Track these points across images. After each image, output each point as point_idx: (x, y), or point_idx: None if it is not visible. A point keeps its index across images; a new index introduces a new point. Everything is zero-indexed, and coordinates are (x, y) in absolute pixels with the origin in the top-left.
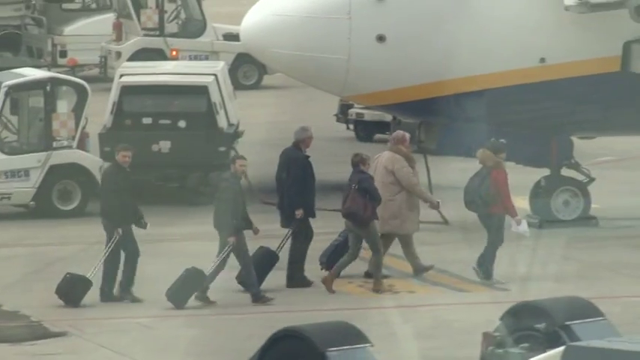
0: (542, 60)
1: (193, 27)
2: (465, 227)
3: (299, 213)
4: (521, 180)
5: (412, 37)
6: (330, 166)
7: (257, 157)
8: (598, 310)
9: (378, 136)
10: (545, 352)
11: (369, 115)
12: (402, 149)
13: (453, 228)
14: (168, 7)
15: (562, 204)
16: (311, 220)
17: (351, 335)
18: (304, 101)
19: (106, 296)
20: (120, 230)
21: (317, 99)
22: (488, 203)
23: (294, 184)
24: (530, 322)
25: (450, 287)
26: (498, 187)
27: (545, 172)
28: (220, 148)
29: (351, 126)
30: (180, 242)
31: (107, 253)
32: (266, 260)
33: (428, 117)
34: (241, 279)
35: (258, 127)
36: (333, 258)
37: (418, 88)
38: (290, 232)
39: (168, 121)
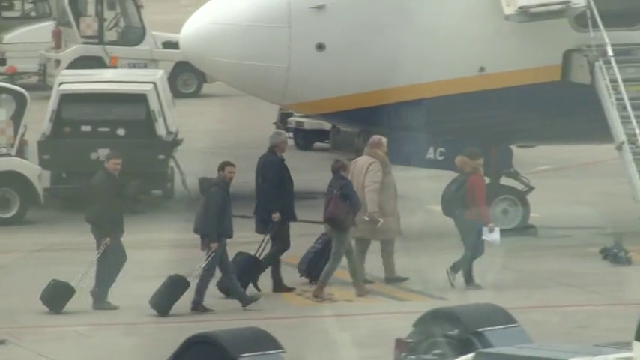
0: (482, 69)
1: (133, 35)
2: (408, 236)
3: (275, 216)
4: None
5: (352, 46)
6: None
7: (196, 166)
8: (511, 317)
9: (317, 144)
10: (456, 358)
11: (309, 123)
12: (379, 154)
13: None
14: (108, 15)
15: (501, 213)
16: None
17: (264, 341)
18: (244, 109)
19: (100, 300)
20: (108, 239)
21: (256, 107)
22: (464, 209)
23: (270, 188)
24: (443, 328)
25: (388, 296)
26: (475, 193)
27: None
28: (159, 156)
29: (291, 134)
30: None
31: (96, 260)
32: (249, 265)
33: (367, 126)
34: (221, 284)
35: (197, 135)
36: (312, 264)
37: (358, 96)
38: (268, 237)
39: (107, 129)
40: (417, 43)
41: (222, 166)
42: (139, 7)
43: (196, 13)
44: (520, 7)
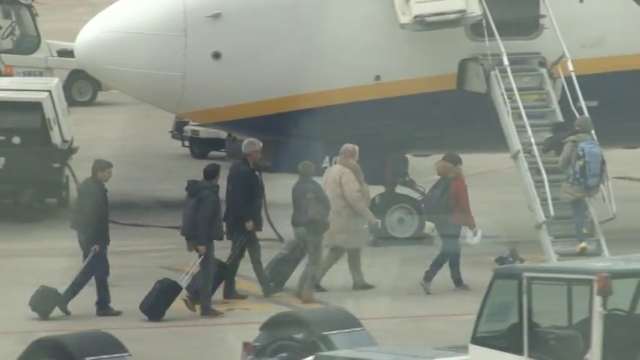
0: (378, 78)
1: (27, 43)
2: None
3: (249, 225)
4: None
5: (248, 55)
6: (165, 182)
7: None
8: (357, 321)
9: (213, 153)
10: None
11: (205, 132)
12: (352, 163)
13: None
14: (3, 23)
15: (396, 221)
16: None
17: (109, 344)
18: (139, 118)
19: (104, 307)
20: (97, 247)
21: (152, 116)
22: (449, 214)
23: (239, 196)
24: (289, 332)
25: (283, 304)
26: (459, 198)
27: (380, 189)
28: (54, 165)
29: (187, 143)
30: (17, 258)
31: (84, 268)
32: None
33: (262, 134)
34: (194, 288)
35: (93, 143)
36: (277, 270)
37: (253, 105)
38: (239, 244)
39: (2, 138)
40: (313, 52)
41: (214, 172)
42: (34, 16)
43: (91, 22)
44: (415, 16)
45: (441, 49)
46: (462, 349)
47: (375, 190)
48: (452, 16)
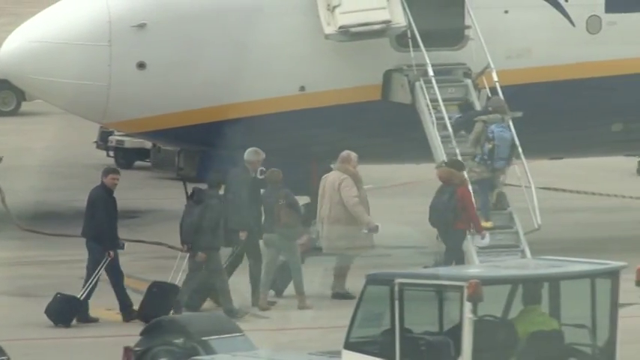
0: (302, 88)
1: None
2: (224, 254)
3: (243, 234)
4: None
5: (172, 65)
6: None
7: (16, 184)
8: (236, 327)
9: (138, 163)
10: None
11: (130, 142)
12: (350, 169)
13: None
14: None
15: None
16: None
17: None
18: (64, 128)
19: (128, 310)
20: (112, 252)
21: (77, 126)
22: (455, 219)
23: (238, 204)
24: (170, 337)
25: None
26: (465, 204)
27: (306, 199)
28: None
29: (112, 153)
30: None
31: (98, 274)
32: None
33: (187, 144)
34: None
35: (17, 153)
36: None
37: (178, 115)
38: (233, 252)
39: None
40: (238, 62)
41: (218, 181)
42: None
43: (15, 32)
44: (340, 27)
45: (366, 59)
46: (336, 355)
47: (301, 201)
48: (377, 27)
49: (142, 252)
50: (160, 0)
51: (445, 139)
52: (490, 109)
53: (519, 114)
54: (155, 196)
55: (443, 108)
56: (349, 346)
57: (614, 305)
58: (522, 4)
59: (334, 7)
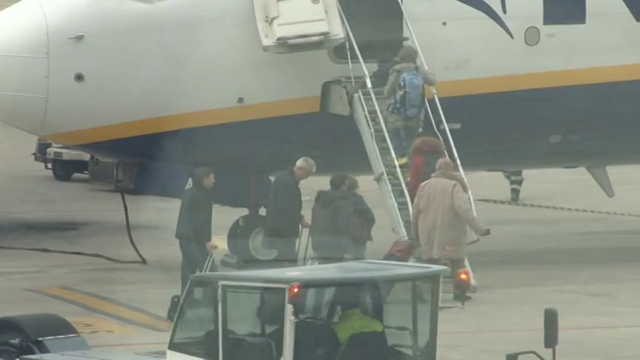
0: (241, 100)
1: None
2: (163, 266)
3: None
4: (219, 220)
5: (110, 77)
6: (28, 204)
7: None
8: (71, 327)
9: (76, 175)
10: None
11: (68, 154)
12: (458, 175)
13: (151, 267)
14: None
15: (260, 244)
16: None
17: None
18: (1, 140)
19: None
20: (214, 246)
21: (14, 137)
22: None
23: (283, 207)
24: (6, 337)
25: (148, 326)
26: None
27: (244, 211)
28: None
29: (50, 165)
30: None
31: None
32: None
33: (126, 156)
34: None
35: None
36: None
37: (116, 127)
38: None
39: None
40: (176, 74)
41: (341, 182)
42: None
43: None
44: (278, 39)
45: (305, 71)
46: (162, 355)
47: (238, 213)
48: (315, 39)
49: (80, 264)
50: (97, 12)
51: (384, 151)
52: (397, 58)
53: (457, 126)
54: (94, 207)
55: (381, 120)
56: (174, 346)
57: (435, 308)
58: (460, 16)
59: (272, 19)
